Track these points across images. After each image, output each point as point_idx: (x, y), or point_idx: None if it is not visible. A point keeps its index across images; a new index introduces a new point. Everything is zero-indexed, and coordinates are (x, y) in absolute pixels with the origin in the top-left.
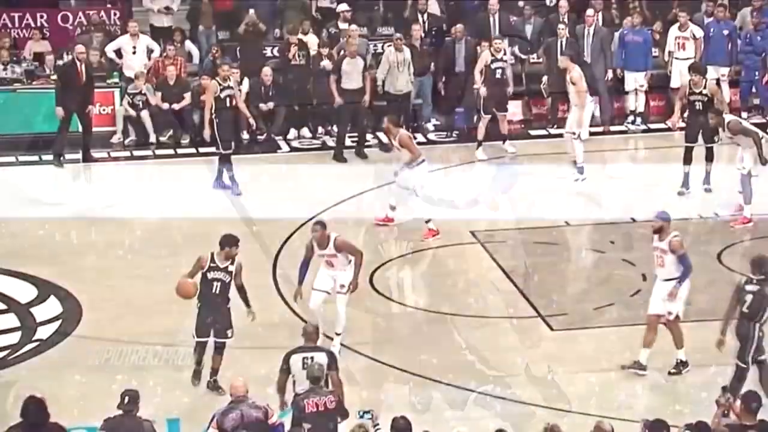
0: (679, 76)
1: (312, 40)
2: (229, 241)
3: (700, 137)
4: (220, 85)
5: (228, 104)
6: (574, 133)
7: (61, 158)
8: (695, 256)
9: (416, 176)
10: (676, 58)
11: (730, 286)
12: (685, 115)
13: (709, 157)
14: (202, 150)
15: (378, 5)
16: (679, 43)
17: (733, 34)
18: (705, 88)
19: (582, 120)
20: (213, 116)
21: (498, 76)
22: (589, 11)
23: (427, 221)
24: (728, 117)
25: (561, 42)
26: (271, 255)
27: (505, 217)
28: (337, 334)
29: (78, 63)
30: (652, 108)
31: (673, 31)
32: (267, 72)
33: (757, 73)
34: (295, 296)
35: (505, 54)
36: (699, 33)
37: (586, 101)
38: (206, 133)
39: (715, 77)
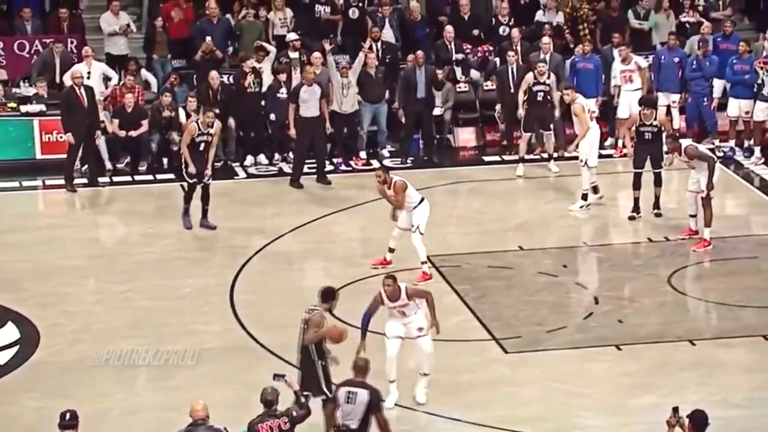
0: (628, 107)
1: (267, 67)
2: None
3: (648, 164)
4: (199, 129)
5: (200, 148)
6: (581, 161)
7: (74, 183)
8: (646, 279)
9: (417, 216)
10: (625, 90)
11: (680, 308)
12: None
13: (658, 182)
14: (159, 177)
15: (336, 33)
16: (625, 77)
17: (683, 62)
18: (655, 119)
19: (587, 148)
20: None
21: (539, 98)
22: (545, 39)
23: (423, 263)
24: (685, 142)
25: (512, 69)
26: (229, 280)
27: (459, 242)
28: (425, 375)
29: (76, 88)
30: (603, 134)
31: (617, 65)
32: (214, 75)
33: (705, 99)
34: (358, 351)
35: (548, 77)
36: (643, 63)
37: (593, 127)
38: (191, 170)
39: (666, 104)
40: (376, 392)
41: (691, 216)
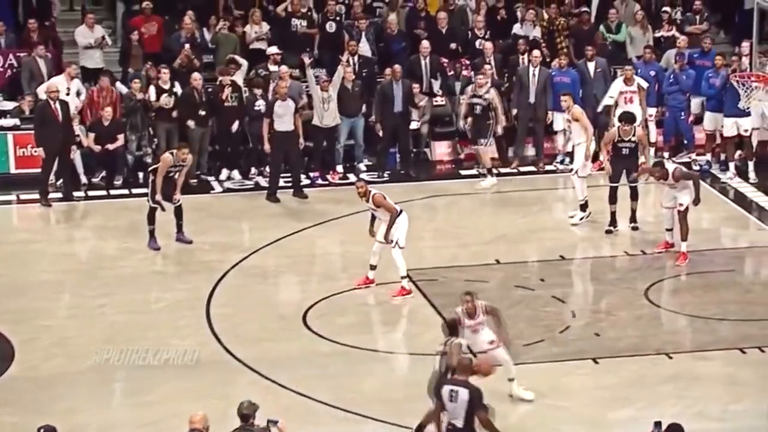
0: None
1: (239, 81)
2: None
3: (623, 178)
4: (173, 163)
5: (171, 176)
6: (572, 170)
7: (48, 197)
8: (623, 293)
9: (396, 230)
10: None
11: (657, 321)
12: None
13: (634, 196)
14: (135, 191)
15: (313, 47)
16: (626, 98)
17: (660, 75)
18: (634, 135)
19: (584, 156)
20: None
21: (477, 111)
22: (536, 52)
23: (403, 277)
24: (671, 166)
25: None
26: (205, 295)
27: (436, 256)
28: (513, 379)
29: (51, 102)
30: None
31: (618, 84)
32: (196, 77)
33: (683, 113)
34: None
35: (487, 92)
36: (645, 84)
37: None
38: (158, 198)
39: (642, 118)
40: (477, 391)
41: (668, 230)
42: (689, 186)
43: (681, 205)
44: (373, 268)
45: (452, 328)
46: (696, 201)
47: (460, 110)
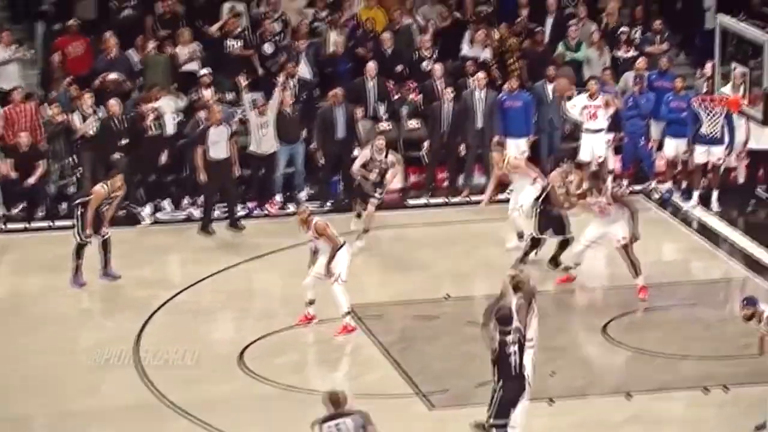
0: (591, 150)
1: (168, 106)
2: None
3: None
4: (107, 195)
5: (104, 208)
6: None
7: None
8: (580, 329)
9: (338, 263)
10: (586, 130)
11: (615, 359)
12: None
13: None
14: (57, 223)
15: (249, 69)
16: (589, 113)
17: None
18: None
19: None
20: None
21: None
22: (481, 74)
23: (347, 314)
24: (609, 184)
25: (446, 107)
26: (133, 334)
27: (381, 291)
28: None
29: None
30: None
31: (581, 100)
32: (113, 103)
33: (642, 138)
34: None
35: (386, 156)
36: (610, 92)
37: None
38: (88, 232)
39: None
40: (363, 413)
41: (576, 264)
42: (623, 217)
43: (619, 241)
44: (311, 303)
45: (335, 403)
46: (635, 237)
47: (358, 168)
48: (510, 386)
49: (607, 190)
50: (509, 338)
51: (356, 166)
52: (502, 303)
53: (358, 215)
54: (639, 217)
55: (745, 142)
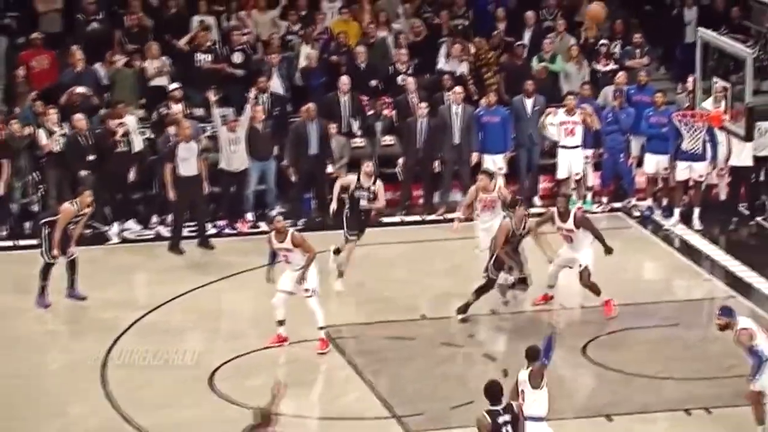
0: (568, 167)
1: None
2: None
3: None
4: (77, 213)
5: (72, 226)
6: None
7: None
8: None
9: (311, 276)
10: (563, 147)
11: (596, 380)
12: None
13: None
14: (21, 243)
15: (219, 83)
16: (567, 129)
17: (597, 113)
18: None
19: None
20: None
21: (361, 207)
22: (458, 88)
23: (322, 328)
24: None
25: (421, 123)
26: (100, 356)
27: (355, 311)
28: None
29: None
30: (510, 192)
31: (559, 116)
32: (79, 117)
33: (622, 154)
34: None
35: (374, 183)
36: (590, 109)
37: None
38: (55, 252)
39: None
40: None
41: (550, 286)
42: (587, 242)
43: (580, 266)
44: (281, 323)
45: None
46: (608, 250)
47: (333, 201)
48: None
49: (570, 215)
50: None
51: (337, 189)
52: None
53: (337, 251)
54: (604, 235)
55: (727, 159)
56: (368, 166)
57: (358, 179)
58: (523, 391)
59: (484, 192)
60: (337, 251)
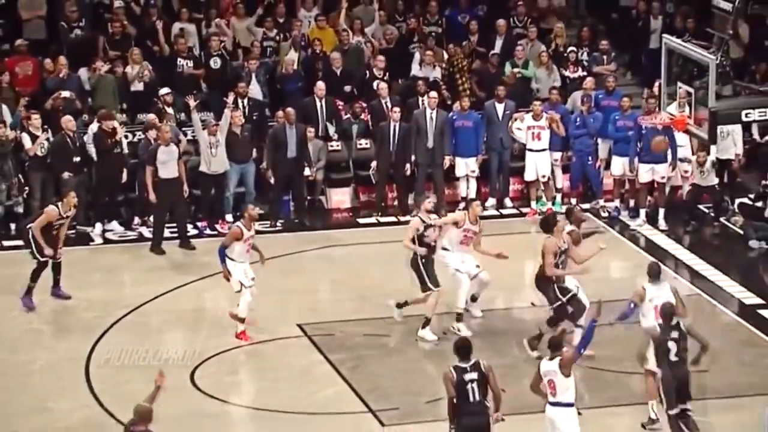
0: (534, 169)
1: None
2: None
3: None
4: (60, 215)
5: (53, 229)
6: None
7: None
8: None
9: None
10: (530, 150)
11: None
12: None
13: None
14: (5, 243)
15: (199, 88)
16: (533, 134)
17: (566, 118)
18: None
19: None
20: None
21: None
22: (432, 93)
23: (242, 320)
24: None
25: (394, 126)
26: (84, 354)
27: (332, 309)
28: None
29: None
30: (483, 194)
31: (527, 121)
32: (68, 119)
33: (591, 157)
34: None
35: None
36: (556, 115)
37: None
38: (48, 252)
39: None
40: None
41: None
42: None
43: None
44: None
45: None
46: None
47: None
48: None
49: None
50: None
51: (410, 240)
52: None
53: (403, 304)
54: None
55: (691, 161)
56: (429, 203)
57: (422, 220)
58: (551, 380)
59: (473, 223)
60: (401, 305)
